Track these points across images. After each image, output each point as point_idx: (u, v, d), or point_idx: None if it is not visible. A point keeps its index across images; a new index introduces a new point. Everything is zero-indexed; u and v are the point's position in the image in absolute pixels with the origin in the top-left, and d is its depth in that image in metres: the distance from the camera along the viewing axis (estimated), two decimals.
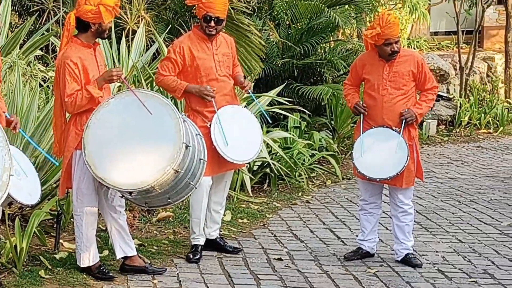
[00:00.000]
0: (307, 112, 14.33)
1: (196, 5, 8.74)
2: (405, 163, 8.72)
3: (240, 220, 10.72)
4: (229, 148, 8.62)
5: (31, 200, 7.30)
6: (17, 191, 6.95)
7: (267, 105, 13.04)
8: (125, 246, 8.24)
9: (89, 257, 8.05)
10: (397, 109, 8.87)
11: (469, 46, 20.83)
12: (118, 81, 8.14)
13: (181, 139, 7.58)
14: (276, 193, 12.27)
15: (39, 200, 7.69)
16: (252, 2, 15.17)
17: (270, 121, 10.91)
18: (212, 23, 8.65)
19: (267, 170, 12.36)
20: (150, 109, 7.62)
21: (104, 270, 8.17)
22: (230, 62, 9.10)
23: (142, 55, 11.45)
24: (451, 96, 19.99)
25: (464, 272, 9.04)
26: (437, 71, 20.33)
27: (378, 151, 8.80)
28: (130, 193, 7.75)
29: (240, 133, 8.87)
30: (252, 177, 12.09)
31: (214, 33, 8.75)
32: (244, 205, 11.35)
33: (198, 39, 8.68)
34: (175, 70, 8.54)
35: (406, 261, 9.12)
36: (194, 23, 11.59)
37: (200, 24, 8.76)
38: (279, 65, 14.69)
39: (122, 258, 8.28)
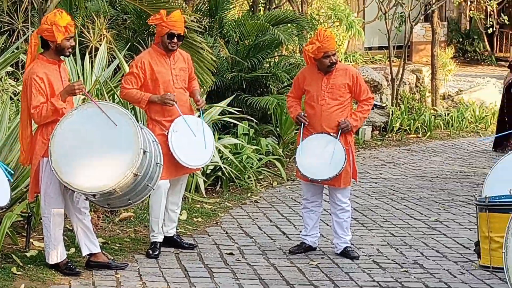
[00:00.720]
0: (254, 120, 14.32)
1: (158, 24, 8.66)
2: (343, 166, 8.73)
3: (195, 219, 10.67)
4: (185, 154, 8.58)
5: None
6: None
7: (219, 115, 13.07)
8: (90, 244, 8.19)
9: (57, 254, 7.99)
10: (334, 117, 8.89)
11: (399, 59, 20.95)
12: (81, 93, 8.09)
13: (139, 145, 7.62)
14: (227, 194, 12.24)
15: (9, 203, 7.60)
16: (204, 21, 15.19)
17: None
18: (175, 40, 8.67)
19: (219, 173, 12.34)
20: (111, 119, 7.61)
21: (71, 266, 8.10)
22: (186, 76, 9.10)
23: (104, 70, 11.35)
24: (384, 105, 20.07)
25: (396, 263, 9.07)
26: (371, 82, 20.42)
27: (318, 155, 8.80)
28: (94, 195, 7.79)
29: (195, 140, 8.83)
30: (206, 179, 12.07)
31: (176, 49, 8.78)
32: (198, 205, 11.31)
33: (157, 55, 8.67)
34: (137, 83, 8.51)
35: (345, 253, 9.13)
36: (151, 40, 11.53)
37: (161, 41, 8.70)
38: (229, 78, 14.69)
39: (88, 255, 8.22)
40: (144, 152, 7.70)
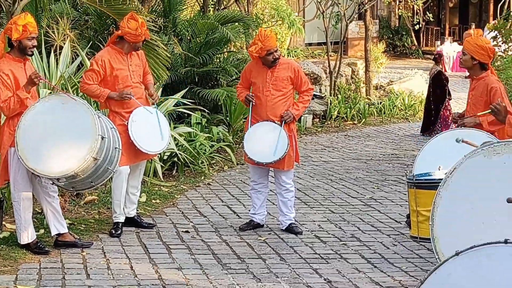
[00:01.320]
0: (206, 110, 14.35)
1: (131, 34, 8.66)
2: (286, 150, 8.77)
3: (153, 201, 10.65)
4: (143, 141, 8.59)
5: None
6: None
7: (174, 106, 13.09)
8: (58, 225, 8.17)
9: (27, 235, 7.96)
10: (278, 107, 8.95)
11: (336, 54, 21.04)
12: (40, 81, 8.14)
13: (97, 132, 7.65)
14: (182, 178, 12.23)
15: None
16: (159, 21, 15.15)
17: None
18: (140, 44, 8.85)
19: (175, 159, 12.33)
20: (70, 109, 7.75)
21: (41, 245, 8.06)
22: (141, 71, 9.12)
23: (68, 67, 11.26)
24: (323, 95, 20.16)
25: (336, 237, 9.13)
26: (311, 75, 20.47)
27: (264, 141, 8.83)
28: (58, 179, 7.82)
29: (152, 128, 8.83)
30: (163, 165, 12.06)
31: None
32: (156, 188, 11.30)
33: (115, 53, 8.64)
34: (97, 79, 8.48)
35: (290, 229, 9.17)
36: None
37: (122, 42, 8.74)
38: (183, 73, 14.66)
39: (56, 235, 8.18)
40: (102, 138, 7.74)
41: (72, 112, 7.76)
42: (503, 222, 4.44)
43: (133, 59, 8.95)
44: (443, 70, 16.15)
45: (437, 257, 4.77)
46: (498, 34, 14.75)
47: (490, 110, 6.85)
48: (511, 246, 3.23)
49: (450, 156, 5.37)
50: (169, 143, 10.77)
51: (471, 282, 3.24)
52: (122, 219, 8.93)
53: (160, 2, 15.96)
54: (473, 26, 18.64)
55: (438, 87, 15.60)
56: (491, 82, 7.94)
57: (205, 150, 13.12)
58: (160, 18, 15.54)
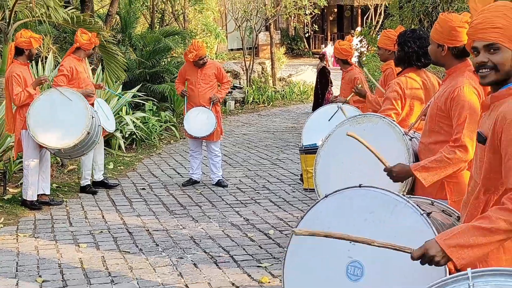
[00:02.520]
0: (156, 100, 14.28)
1: (86, 44, 8.47)
2: (214, 127, 8.76)
3: (119, 167, 10.54)
4: (104, 124, 8.46)
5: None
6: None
7: (131, 98, 12.99)
8: (45, 186, 8.06)
9: (31, 193, 7.89)
10: (206, 95, 8.93)
11: (250, 56, 20.95)
12: (45, 83, 8.26)
13: (89, 113, 7.80)
14: (140, 150, 12.12)
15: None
16: (118, 36, 14.97)
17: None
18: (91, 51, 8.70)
19: (134, 136, 12.21)
20: (67, 98, 7.78)
21: (36, 203, 7.91)
22: (90, 72, 9.10)
23: (52, 72, 11.05)
24: (241, 86, 20.11)
25: (252, 188, 9.18)
26: (233, 72, 20.45)
27: (198, 121, 8.85)
28: (59, 150, 7.86)
29: (107, 114, 8.87)
30: (125, 141, 11.95)
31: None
32: (121, 158, 11.18)
33: (76, 61, 8.41)
34: (67, 81, 8.27)
35: (218, 183, 9.20)
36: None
37: (79, 51, 8.53)
38: (137, 73, 14.54)
39: (41, 195, 8.09)
40: (93, 117, 7.83)
41: (69, 100, 7.77)
42: (363, 172, 4.50)
43: (86, 64, 8.85)
44: (326, 66, 16.17)
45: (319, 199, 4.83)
46: (363, 38, 15.08)
47: (353, 93, 7.01)
48: (363, 189, 3.27)
49: (326, 126, 5.43)
50: (127, 124, 10.93)
51: (336, 216, 3.28)
52: (90, 181, 8.89)
53: (119, 21, 15.74)
54: (349, 36, 18.95)
55: (323, 78, 15.63)
56: (354, 73, 8.10)
57: (156, 129, 13.02)
58: (119, 34, 15.35)
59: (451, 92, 3.95)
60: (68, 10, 11.01)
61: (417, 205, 3.25)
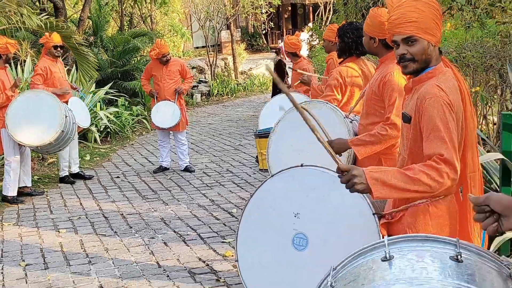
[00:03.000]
0: (127, 96, 14.13)
1: (46, 42, 8.32)
2: (179, 119, 8.73)
3: (95, 158, 10.45)
4: (79, 120, 8.33)
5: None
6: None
7: (104, 94, 12.87)
8: (26, 180, 7.94)
9: (13, 189, 7.74)
10: (171, 90, 8.90)
11: (214, 53, 20.85)
12: (21, 84, 8.06)
13: (62, 113, 7.67)
14: (114, 141, 12.04)
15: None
16: (90, 38, 14.77)
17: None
18: (59, 49, 8.42)
19: (108, 129, 12.10)
20: (41, 99, 7.67)
21: (16, 198, 7.80)
22: (65, 72, 8.88)
23: (30, 73, 10.88)
24: (206, 80, 20.02)
25: (216, 171, 9.19)
26: (199, 68, 20.38)
27: (165, 113, 8.85)
28: (37, 147, 7.78)
29: (82, 111, 8.72)
30: (100, 134, 11.83)
31: (59, 55, 8.56)
32: (97, 150, 11.08)
33: (50, 61, 8.28)
34: (42, 80, 8.14)
35: (186, 169, 9.18)
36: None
37: (48, 52, 8.35)
38: (109, 72, 14.38)
39: (21, 186, 7.95)
40: (66, 116, 7.71)
41: (43, 100, 7.68)
42: (310, 152, 4.52)
43: (61, 64, 8.65)
44: (283, 59, 16.16)
45: None
46: (313, 33, 15.11)
47: (300, 81, 7.05)
48: (305, 168, 3.29)
49: (280, 113, 5.42)
50: (102, 119, 10.80)
51: (281, 193, 3.30)
52: (67, 172, 8.79)
53: (91, 25, 15.51)
54: (296, 31, 18.85)
55: (279, 70, 15.63)
56: (303, 65, 8.14)
57: (128, 122, 12.93)
58: (91, 36, 15.13)
59: (383, 78, 4.01)
60: (42, 17, 10.86)
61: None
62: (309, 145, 4.65)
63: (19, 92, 8.33)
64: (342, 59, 5.32)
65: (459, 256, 1.82)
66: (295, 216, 3.26)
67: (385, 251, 1.86)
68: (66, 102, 8.17)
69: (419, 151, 2.91)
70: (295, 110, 4.86)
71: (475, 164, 3.01)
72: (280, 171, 3.29)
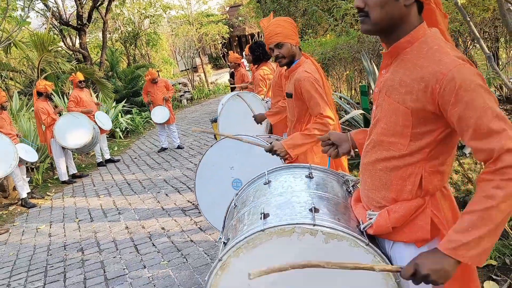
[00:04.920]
0: (138, 107, 13.72)
1: (74, 78, 7.95)
2: (169, 116, 8.51)
3: (121, 148, 10.13)
4: (103, 126, 8.05)
5: (33, 159, 6.67)
6: (26, 156, 6.47)
7: (122, 107, 12.43)
8: (73, 169, 7.75)
9: (64, 175, 7.51)
10: (161, 98, 8.59)
11: (192, 72, 20.40)
12: (62, 110, 7.52)
13: (92, 125, 7.45)
14: (132, 136, 11.69)
15: (37, 159, 7.02)
16: (109, 73, 14.32)
17: None
18: (83, 82, 7.90)
19: (128, 129, 11.80)
20: (77, 118, 7.37)
21: (68, 180, 7.58)
22: (90, 96, 8.47)
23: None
24: (189, 91, 19.62)
25: (198, 146, 8.96)
26: (183, 83, 19.89)
27: (159, 114, 8.60)
28: (77, 149, 7.42)
29: (105, 120, 8.39)
30: (122, 132, 11.47)
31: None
32: (121, 143, 10.73)
33: (79, 91, 7.85)
34: (75, 105, 7.73)
35: (179, 147, 8.92)
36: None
37: (77, 85, 7.93)
38: (124, 93, 13.96)
39: (73, 173, 7.70)
40: (94, 128, 7.44)
41: (78, 119, 7.38)
42: (247, 125, 4.50)
43: (85, 92, 8.09)
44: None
45: None
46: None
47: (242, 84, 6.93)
48: (229, 139, 3.25)
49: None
50: (122, 123, 10.40)
51: (219, 155, 3.22)
52: (101, 159, 8.44)
53: (108, 64, 15.07)
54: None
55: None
56: (242, 72, 8.01)
57: (140, 123, 12.61)
58: (109, 72, 14.70)
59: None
60: (73, 63, 10.53)
61: (264, 140, 3.28)
62: (243, 122, 4.66)
63: (60, 115, 8.12)
64: (257, 65, 5.31)
65: (311, 174, 1.86)
66: (231, 169, 3.26)
67: (265, 178, 1.89)
68: (94, 115, 7.95)
69: (301, 113, 2.95)
70: (231, 100, 4.86)
71: (336, 117, 3.04)
72: (214, 143, 3.28)
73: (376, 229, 1.50)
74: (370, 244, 1.45)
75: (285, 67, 3.00)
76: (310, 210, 1.51)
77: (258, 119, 4.13)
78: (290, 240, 1.44)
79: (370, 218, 1.53)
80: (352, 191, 1.84)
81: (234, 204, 1.89)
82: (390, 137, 1.45)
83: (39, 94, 7.26)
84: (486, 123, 1.27)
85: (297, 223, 1.44)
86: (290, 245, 1.44)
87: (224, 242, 1.57)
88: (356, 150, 1.83)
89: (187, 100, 18.80)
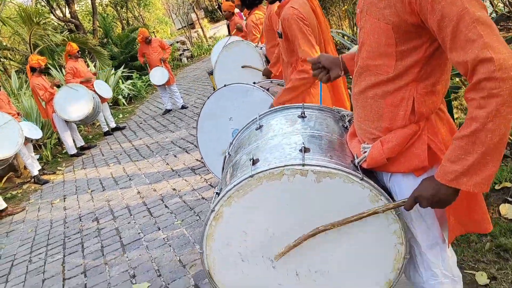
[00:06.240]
0: (137, 71, 13.59)
1: (70, 49, 7.77)
2: (168, 76, 8.38)
3: (126, 115, 10.12)
4: (103, 94, 8.00)
5: (38, 136, 6.72)
6: (30, 134, 6.57)
7: (122, 73, 12.31)
8: (79, 141, 7.80)
9: (71, 148, 7.54)
10: (157, 59, 8.45)
11: (189, 29, 19.89)
12: (58, 83, 7.44)
13: (91, 95, 7.41)
14: (136, 102, 11.66)
15: (42, 135, 7.11)
16: (104, 40, 14.11)
17: None
18: (78, 52, 7.80)
19: (130, 95, 11.73)
20: (74, 89, 7.32)
21: (76, 153, 7.63)
22: (85, 66, 8.33)
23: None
24: (189, 48, 19.27)
25: (201, 104, 8.96)
26: (182, 41, 19.53)
27: (157, 75, 8.52)
28: (80, 120, 7.41)
29: (105, 88, 8.30)
30: (125, 99, 11.44)
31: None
32: (125, 109, 10.71)
33: (74, 62, 7.72)
34: (72, 76, 7.63)
35: (183, 107, 8.84)
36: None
37: (73, 56, 7.81)
38: (121, 59, 13.82)
39: (81, 146, 7.76)
40: (93, 98, 7.40)
41: (76, 90, 7.31)
42: (239, 72, 4.41)
43: (81, 62, 7.91)
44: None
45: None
46: None
47: (236, 29, 6.72)
48: (227, 86, 3.19)
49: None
50: (122, 90, 10.34)
51: (217, 106, 3.21)
52: (107, 128, 8.48)
53: (101, 31, 14.80)
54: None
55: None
56: (236, 20, 7.74)
57: (142, 87, 12.51)
58: (104, 39, 14.45)
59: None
60: (65, 33, 10.34)
61: (261, 86, 3.21)
62: (238, 69, 4.55)
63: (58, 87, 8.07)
64: (250, 11, 5.11)
65: (303, 114, 1.78)
66: (230, 120, 3.21)
67: (257, 123, 1.82)
68: (93, 85, 7.88)
69: (291, 55, 2.83)
70: (224, 49, 4.72)
71: (333, 53, 2.92)
72: (211, 94, 3.21)
73: (370, 162, 1.43)
74: (364, 178, 1.39)
75: (277, 3, 2.85)
76: (300, 150, 1.46)
77: (266, 74, 4.01)
78: (281, 183, 1.40)
79: (365, 152, 1.46)
80: (349, 126, 1.77)
81: (228, 154, 1.85)
82: (376, 60, 1.38)
83: (33, 69, 7.15)
84: (463, 31, 1.15)
85: (285, 165, 1.39)
86: (282, 188, 1.40)
87: (217, 193, 1.54)
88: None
89: (187, 58, 18.50)
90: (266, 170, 1.40)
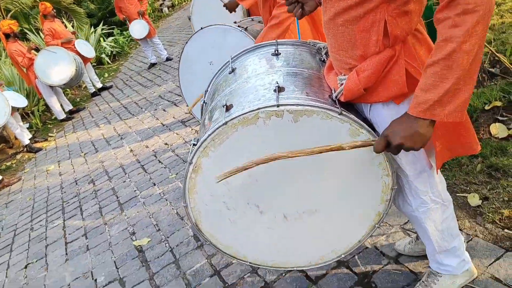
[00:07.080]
0: (118, 26, 13.07)
1: (45, 9, 7.43)
2: (148, 28, 8.06)
3: (111, 74, 9.90)
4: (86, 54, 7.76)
5: (23, 104, 6.58)
6: (15, 103, 6.38)
7: (102, 31, 11.87)
8: (67, 106, 7.64)
9: (59, 113, 7.43)
10: (135, 12, 8.10)
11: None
12: (34, 47, 7.16)
13: (72, 57, 7.18)
14: (120, 59, 11.34)
15: (28, 103, 6.96)
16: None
17: None
18: (53, 11, 7.46)
19: (114, 52, 11.36)
20: (54, 52, 7.07)
21: (65, 118, 7.51)
22: (63, 26, 8.02)
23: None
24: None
25: None
26: None
27: (137, 28, 8.16)
28: (64, 84, 7.20)
29: (86, 47, 8.01)
30: (108, 57, 11.10)
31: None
32: (110, 68, 10.45)
33: (50, 22, 7.40)
34: (52, 38, 7.35)
35: (167, 59, 8.60)
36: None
37: (49, 15, 7.44)
38: (99, 15, 13.25)
39: (70, 110, 7.60)
40: (75, 59, 7.17)
41: (56, 53, 7.07)
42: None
43: (58, 22, 7.65)
44: None
45: None
46: None
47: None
48: (204, 29, 3.06)
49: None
50: (105, 48, 10.00)
51: (196, 50, 3.10)
52: (94, 89, 8.28)
53: None
54: None
55: None
56: None
57: (125, 43, 12.14)
58: None
59: None
60: None
61: (239, 26, 3.06)
62: (220, 11, 4.35)
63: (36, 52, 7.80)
64: None
65: (277, 51, 1.69)
66: (210, 64, 3.10)
67: (230, 67, 1.73)
68: (74, 45, 7.60)
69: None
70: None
71: None
72: (190, 37, 3.08)
73: (347, 94, 1.36)
74: (343, 112, 1.32)
75: None
76: (275, 90, 1.38)
77: (230, 7, 3.81)
78: (257, 127, 1.33)
79: (342, 84, 1.38)
80: (326, 59, 1.67)
81: (204, 102, 1.77)
82: None
83: (7, 36, 6.89)
84: None
85: (259, 108, 1.32)
86: (259, 133, 1.34)
87: (193, 144, 1.48)
88: None
89: (168, 8, 17.75)
90: (240, 115, 1.34)
